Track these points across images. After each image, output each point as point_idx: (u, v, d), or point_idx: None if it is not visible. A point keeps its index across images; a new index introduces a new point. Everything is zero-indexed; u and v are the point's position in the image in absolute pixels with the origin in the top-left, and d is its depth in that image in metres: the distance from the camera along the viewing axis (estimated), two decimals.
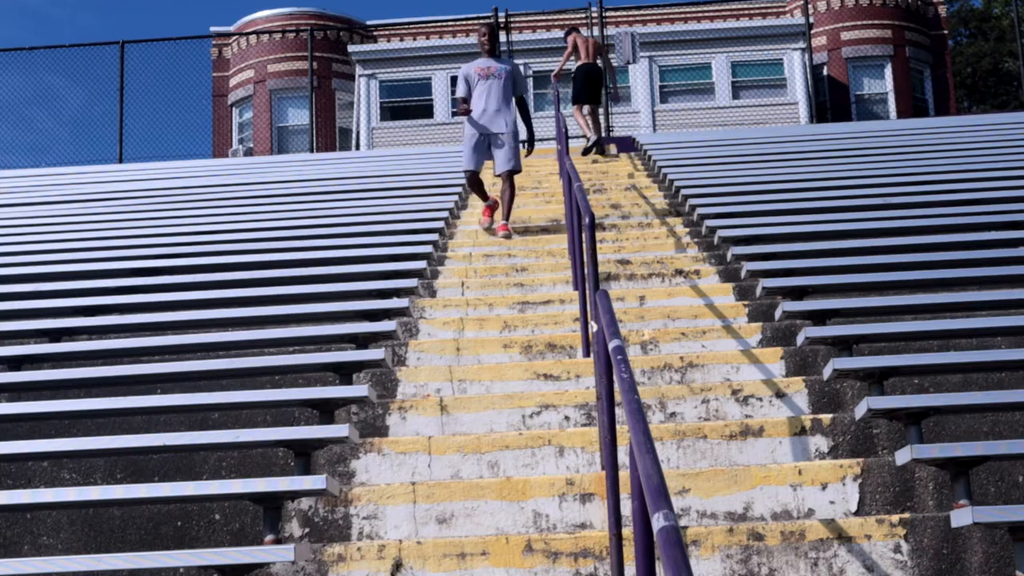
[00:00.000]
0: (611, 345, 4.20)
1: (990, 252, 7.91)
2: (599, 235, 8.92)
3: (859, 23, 27.36)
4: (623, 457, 5.09)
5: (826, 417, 5.57)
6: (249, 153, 26.72)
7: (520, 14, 26.11)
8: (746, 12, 27.73)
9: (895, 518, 4.65)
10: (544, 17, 27.12)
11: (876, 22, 27.33)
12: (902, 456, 4.70)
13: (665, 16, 27.36)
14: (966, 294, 6.94)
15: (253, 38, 28.35)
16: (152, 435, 5.31)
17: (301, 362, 6.28)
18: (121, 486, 4.89)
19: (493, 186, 11.03)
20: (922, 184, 10.50)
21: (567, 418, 5.96)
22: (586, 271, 6.27)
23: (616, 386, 4.20)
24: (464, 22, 26.15)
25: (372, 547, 4.69)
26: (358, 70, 26.48)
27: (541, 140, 18.20)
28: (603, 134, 15.99)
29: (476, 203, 11.18)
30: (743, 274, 7.99)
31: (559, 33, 20.20)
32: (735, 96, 26.12)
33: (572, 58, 15.19)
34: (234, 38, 28.98)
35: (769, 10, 27.94)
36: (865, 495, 5.06)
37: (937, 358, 5.67)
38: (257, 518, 5.15)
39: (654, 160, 13.07)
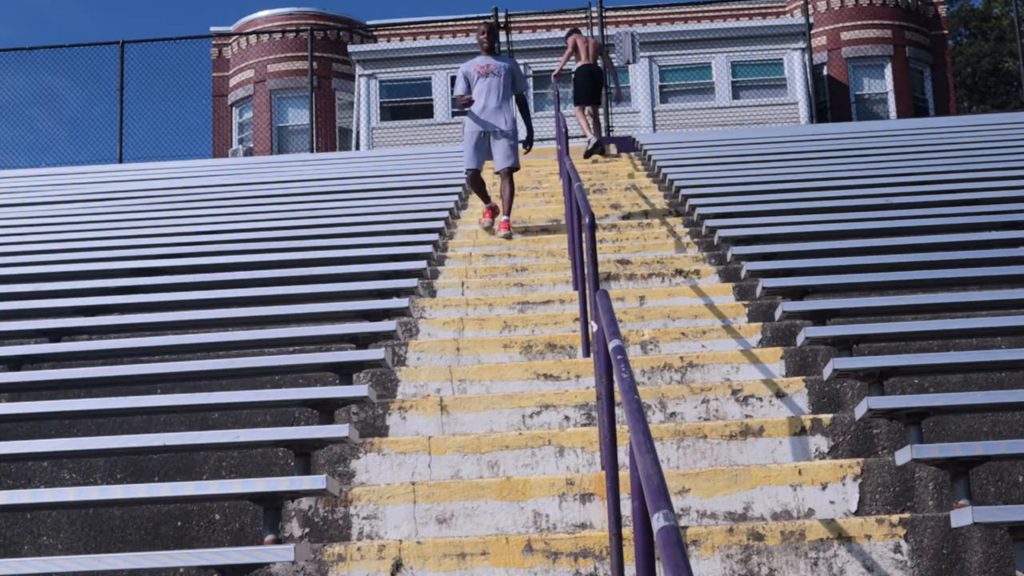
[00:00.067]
0: (611, 345, 4.19)
1: (990, 252, 7.91)
2: (599, 235, 8.92)
3: (859, 23, 27.35)
4: (623, 457, 5.09)
5: (826, 417, 5.57)
6: (249, 153, 26.70)
7: (520, 14, 26.12)
8: (746, 12, 27.73)
9: (895, 518, 4.65)
10: (544, 17, 27.11)
11: (876, 22, 27.32)
12: (902, 456, 4.70)
13: (665, 16, 27.36)
14: (966, 294, 6.94)
15: (253, 38, 28.35)
16: (152, 435, 5.31)
17: (301, 362, 6.28)
18: (121, 486, 4.89)
19: (493, 185, 11.03)
20: (922, 184, 10.50)
21: (567, 418, 5.96)
22: (586, 271, 6.27)
23: (616, 386, 4.20)
24: (464, 22, 26.14)
25: (372, 547, 4.69)
26: (358, 70, 26.47)
27: (541, 140, 18.21)
28: (603, 134, 15.99)
29: (476, 203, 11.18)
30: (743, 274, 7.99)
31: (559, 33, 20.23)
32: (735, 96, 26.12)
33: (572, 59, 15.21)
34: (234, 38, 28.97)
35: (769, 10, 27.93)
36: (865, 495, 5.06)
37: (937, 358, 5.67)
38: (257, 518, 5.15)
39: (654, 160, 13.07)
